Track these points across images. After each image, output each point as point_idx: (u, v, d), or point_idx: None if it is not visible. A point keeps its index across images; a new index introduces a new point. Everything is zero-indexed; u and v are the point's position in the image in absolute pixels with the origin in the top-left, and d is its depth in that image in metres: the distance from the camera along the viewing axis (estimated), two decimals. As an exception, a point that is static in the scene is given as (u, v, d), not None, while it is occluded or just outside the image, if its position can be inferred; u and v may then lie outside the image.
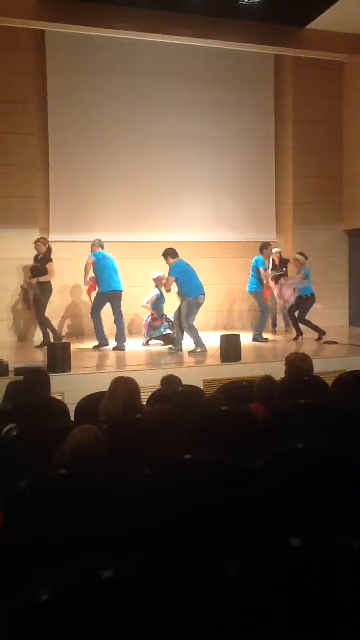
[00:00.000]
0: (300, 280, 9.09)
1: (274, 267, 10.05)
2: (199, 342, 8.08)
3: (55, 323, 9.71)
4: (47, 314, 8.89)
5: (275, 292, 9.67)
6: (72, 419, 4.38)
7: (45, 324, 8.84)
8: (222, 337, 7.44)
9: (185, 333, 8.25)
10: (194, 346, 8.09)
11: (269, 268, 9.85)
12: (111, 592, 1.62)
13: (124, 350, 8.42)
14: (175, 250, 8.31)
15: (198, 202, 10.85)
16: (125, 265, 9.36)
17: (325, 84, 11.00)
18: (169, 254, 8.28)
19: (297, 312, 9.21)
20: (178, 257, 8.27)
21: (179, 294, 8.24)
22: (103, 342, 8.55)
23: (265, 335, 9.22)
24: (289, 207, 11.18)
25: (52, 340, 8.58)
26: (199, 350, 8.01)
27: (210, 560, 1.91)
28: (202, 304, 8.22)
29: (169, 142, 10.59)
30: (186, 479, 2.58)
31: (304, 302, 9.12)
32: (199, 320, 10.34)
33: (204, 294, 8.16)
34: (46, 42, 9.89)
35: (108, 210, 10.28)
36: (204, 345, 8.05)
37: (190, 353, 8.02)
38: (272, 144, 11.36)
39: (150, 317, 9.00)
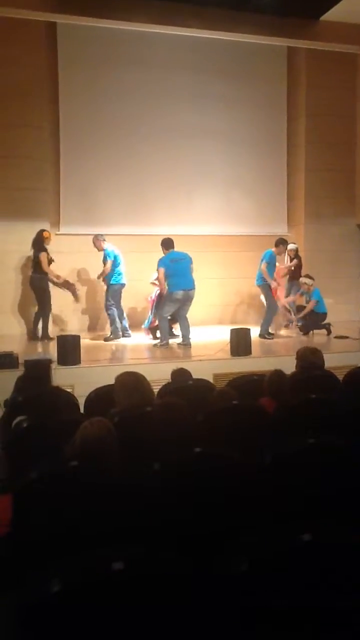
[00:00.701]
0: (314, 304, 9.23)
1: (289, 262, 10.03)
2: (164, 336, 8.15)
3: (65, 315, 9.76)
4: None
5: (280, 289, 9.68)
6: (82, 411, 4.38)
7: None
8: (232, 330, 7.41)
9: (183, 325, 8.23)
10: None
11: (283, 263, 9.85)
12: (121, 584, 1.61)
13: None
14: (170, 240, 8.33)
15: (209, 195, 10.80)
16: (135, 258, 9.37)
17: (338, 76, 10.88)
18: (163, 244, 8.34)
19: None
20: (172, 248, 8.28)
21: None
22: (117, 335, 8.71)
23: (271, 330, 9.12)
24: (301, 201, 11.11)
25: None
26: (160, 344, 8.11)
27: (219, 556, 1.90)
28: (180, 300, 8.08)
29: (180, 135, 10.54)
30: (195, 473, 2.57)
31: (314, 315, 9.23)
32: (208, 314, 10.43)
33: (183, 290, 8.04)
34: (57, 35, 9.87)
35: (118, 203, 10.26)
36: (167, 339, 8.15)
37: (154, 346, 8.15)
38: (284, 137, 11.29)
39: (158, 293, 8.85)
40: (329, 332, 9.06)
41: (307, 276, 9.44)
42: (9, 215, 9.42)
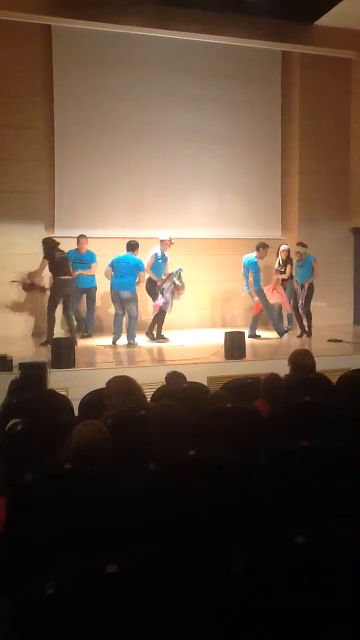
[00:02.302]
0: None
1: (280, 264, 10.03)
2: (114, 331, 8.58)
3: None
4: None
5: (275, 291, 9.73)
6: (76, 414, 4.37)
7: (50, 321, 8.62)
8: (226, 334, 7.43)
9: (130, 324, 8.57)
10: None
11: (273, 265, 9.87)
12: (117, 586, 1.61)
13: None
14: (129, 243, 8.64)
15: (204, 198, 10.80)
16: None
17: (332, 80, 10.91)
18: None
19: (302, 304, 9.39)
20: (129, 251, 8.59)
21: None
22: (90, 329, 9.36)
23: (258, 332, 9.27)
24: (295, 204, 11.13)
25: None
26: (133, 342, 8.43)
27: (214, 557, 1.90)
28: (114, 298, 8.52)
29: (175, 137, 10.55)
30: (190, 475, 2.57)
31: (308, 290, 9.24)
32: (202, 317, 10.45)
33: (114, 290, 8.46)
34: (53, 36, 9.85)
35: (113, 205, 10.24)
36: (116, 335, 8.53)
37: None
38: (278, 141, 11.30)
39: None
40: (300, 336, 9.19)
41: (300, 244, 9.42)
42: (3, 217, 9.38)
